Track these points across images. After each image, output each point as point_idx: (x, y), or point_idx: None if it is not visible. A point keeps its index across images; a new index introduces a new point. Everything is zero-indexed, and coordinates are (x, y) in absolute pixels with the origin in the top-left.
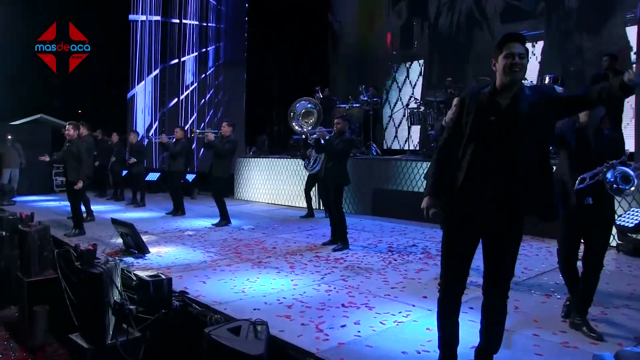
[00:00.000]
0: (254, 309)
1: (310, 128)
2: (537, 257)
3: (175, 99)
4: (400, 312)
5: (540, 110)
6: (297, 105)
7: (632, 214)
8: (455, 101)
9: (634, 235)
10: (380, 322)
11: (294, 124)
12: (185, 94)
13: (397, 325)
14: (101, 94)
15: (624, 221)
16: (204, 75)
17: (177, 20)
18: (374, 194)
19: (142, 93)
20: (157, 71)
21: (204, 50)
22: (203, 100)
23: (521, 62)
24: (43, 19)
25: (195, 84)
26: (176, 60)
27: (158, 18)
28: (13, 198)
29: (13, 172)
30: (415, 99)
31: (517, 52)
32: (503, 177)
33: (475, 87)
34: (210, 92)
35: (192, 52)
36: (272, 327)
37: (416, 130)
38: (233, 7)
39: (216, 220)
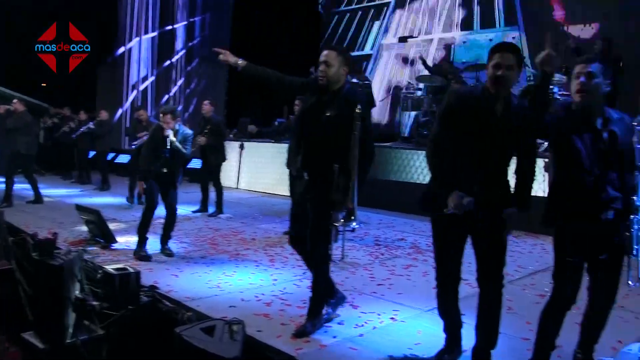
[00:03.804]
0: (230, 306)
1: None
2: (530, 254)
3: (168, 61)
4: (385, 313)
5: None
6: None
7: None
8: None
9: None
10: (366, 322)
11: None
12: (175, 58)
13: (383, 325)
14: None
15: None
16: (191, 44)
17: None
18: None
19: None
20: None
21: (192, 20)
22: (189, 67)
23: (506, 73)
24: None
25: (184, 51)
26: (170, 27)
27: None
28: None
29: None
30: (409, 82)
31: (505, 64)
32: (485, 177)
33: (464, 89)
34: (196, 60)
35: (182, 20)
36: (249, 326)
37: (409, 116)
38: None
39: (195, 207)
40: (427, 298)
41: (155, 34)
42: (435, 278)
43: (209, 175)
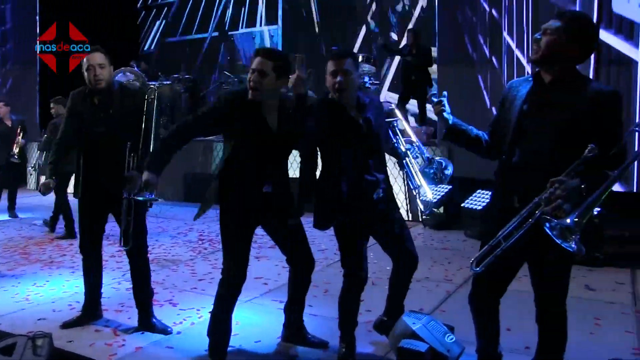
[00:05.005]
0: (39, 319)
1: None
2: None
3: None
4: (205, 307)
5: None
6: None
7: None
8: None
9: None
10: (184, 319)
11: None
12: None
13: (202, 320)
14: None
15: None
16: None
17: None
18: (185, 179)
19: None
20: None
21: None
22: None
23: (257, 78)
24: None
25: None
26: None
27: None
28: None
29: None
30: (227, 74)
31: (257, 68)
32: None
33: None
34: None
35: None
36: (58, 338)
37: None
38: None
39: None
40: (245, 289)
41: None
42: (230, 277)
43: (14, 178)
